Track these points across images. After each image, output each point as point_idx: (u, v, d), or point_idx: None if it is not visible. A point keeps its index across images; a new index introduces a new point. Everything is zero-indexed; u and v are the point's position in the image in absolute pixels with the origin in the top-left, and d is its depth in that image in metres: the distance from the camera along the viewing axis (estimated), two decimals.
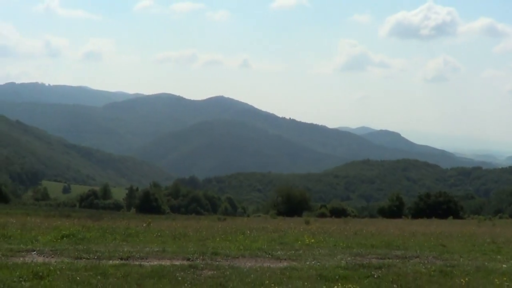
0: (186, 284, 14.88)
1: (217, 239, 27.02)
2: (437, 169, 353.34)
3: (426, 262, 20.52)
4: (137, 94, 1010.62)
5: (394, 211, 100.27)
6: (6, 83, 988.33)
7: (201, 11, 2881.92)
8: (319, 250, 22.45)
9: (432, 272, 17.95)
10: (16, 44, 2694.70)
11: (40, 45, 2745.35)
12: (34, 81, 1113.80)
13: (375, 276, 17.00)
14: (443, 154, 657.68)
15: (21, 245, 21.22)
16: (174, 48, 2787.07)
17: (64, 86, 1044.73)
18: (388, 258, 21.13)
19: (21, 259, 18.32)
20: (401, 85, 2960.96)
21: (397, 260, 20.71)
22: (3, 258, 18.24)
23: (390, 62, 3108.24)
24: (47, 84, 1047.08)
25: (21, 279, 14.71)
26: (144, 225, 35.39)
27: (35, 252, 19.60)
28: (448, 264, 20.07)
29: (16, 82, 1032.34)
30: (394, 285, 15.63)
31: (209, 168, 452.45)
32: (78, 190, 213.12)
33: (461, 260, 21.44)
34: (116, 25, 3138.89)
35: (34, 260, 18.03)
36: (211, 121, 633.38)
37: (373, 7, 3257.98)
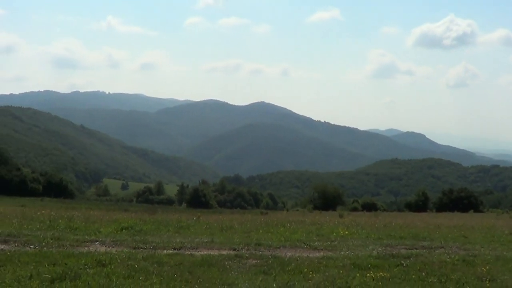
0: (232, 272, 14.89)
1: (260, 231, 26.97)
2: (459, 167, 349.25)
3: (450, 252, 20.33)
4: (187, 100, 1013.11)
5: (420, 206, 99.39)
6: (72, 92, 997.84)
7: (245, 26, 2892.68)
8: (352, 241, 22.32)
9: (455, 261, 17.80)
10: (82, 57, 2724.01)
11: (102, 58, 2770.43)
12: (96, 89, 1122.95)
13: (404, 264, 16.89)
14: (464, 153, 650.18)
15: (86, 236, 21.40)
16: (220, 59, 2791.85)
17: (122, 94, 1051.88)
18: (415, 249, 20.97)
19: (85, 248, 18.48)
20: (426, 90, 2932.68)
21: (424, 250, 20.54)
22: (70, 247, 18.40)
23: (416, 70, 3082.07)
24: (107, 92, 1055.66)
25: (86, 266, 14.84)
26: (194, 218, 35.47)
27: (98, 242, 19.75)
28: (470, 253, 19.87)
29: (81, 91, 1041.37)
30: (422, 273, 15.51)
31: (252, 167, 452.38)
32: (135, 187, 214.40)
33: (481, 250, 21.22)
34: (169, 39, 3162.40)
35: (97, 250, 18.18)
36: (254, 125, 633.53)
37: (401, 20, 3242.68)
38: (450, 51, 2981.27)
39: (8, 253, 16.63)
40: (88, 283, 12.91)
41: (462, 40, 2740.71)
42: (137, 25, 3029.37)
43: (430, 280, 14.81)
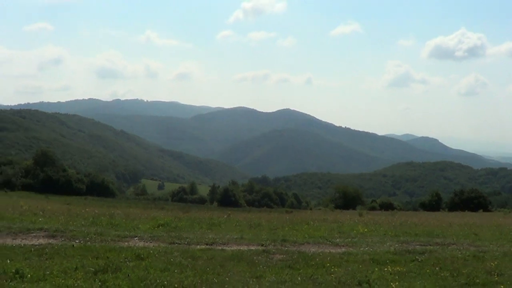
0: (260, 266, 14.90)
1: (286, 228, 26.94)
2: (469, 170, 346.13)
3: (461, 248, 20.22)
4: (218, 107, 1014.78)
5: (433, 205, 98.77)
6: (113, 100, 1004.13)
7: (273, 39, 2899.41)
8: (371, 238, 22.22)
9: (466, 257, 17.74)
10: (122, 68, 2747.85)
11: (141, 68, 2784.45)
12: (135, 97, 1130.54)
13: (419, 260, 16.84)
14: (474, 157, 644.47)
15: (126, 232, 21.49)
16: (250, 69, 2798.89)
17: (159, 101, 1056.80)
18: (429, 245, 20.84)
19: (125, 243, 18.57)
20: (439, 98, 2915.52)
21: (437, 247, 20.41)
22: (111, 242, 18.50)
23: (429, 79, 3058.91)
24: (145, 100, 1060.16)
25: (126, 259, 14.92)
26: (225, 216, 35.51)
27: (136, 238, 19.83)
28: (480, 250, 19.79)
29: (121, 99, 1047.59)
30: (435, 268, 15.46)
31: (278, 169, 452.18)
32: (170, 187, 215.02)
33: (490, 246, 21.10)
34: (202, 51, 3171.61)
35: (136, 245, 18.27)
36: (280, 130, 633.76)
37: (416, 33, 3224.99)
38: (462, 62, 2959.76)
39: (56, 247, 16.78)
40: (128, 275, 12.98)
41: (473, 52, 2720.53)
42: (173, 38, 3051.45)
43: (443, 274, 14.77)
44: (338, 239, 21.39)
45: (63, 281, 12.49)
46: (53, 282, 12.37)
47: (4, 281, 12.23)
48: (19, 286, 12.05)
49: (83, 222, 25.39)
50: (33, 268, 13.44)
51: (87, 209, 36.66)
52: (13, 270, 13.01)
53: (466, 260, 17.19)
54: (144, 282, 12.55)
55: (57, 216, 28.06)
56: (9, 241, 18.16)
